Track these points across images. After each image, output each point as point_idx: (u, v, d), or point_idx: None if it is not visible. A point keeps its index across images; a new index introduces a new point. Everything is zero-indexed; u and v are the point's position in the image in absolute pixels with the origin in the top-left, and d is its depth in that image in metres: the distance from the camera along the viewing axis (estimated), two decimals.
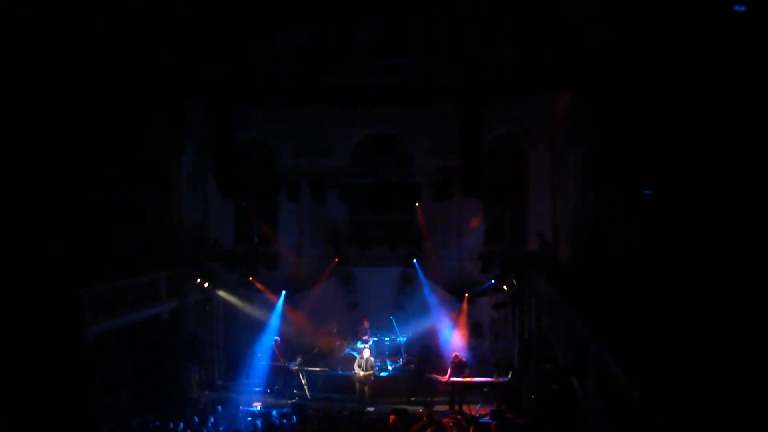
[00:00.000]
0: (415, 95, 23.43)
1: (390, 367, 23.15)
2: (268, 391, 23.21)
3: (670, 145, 13.64)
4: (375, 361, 22.59)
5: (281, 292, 24.69)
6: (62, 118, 19.35)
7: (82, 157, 19.78)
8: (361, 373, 22.04)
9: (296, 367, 23.08)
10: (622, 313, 13.54)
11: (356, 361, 22.39)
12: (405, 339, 24.08)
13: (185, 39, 18.90)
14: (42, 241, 18.20)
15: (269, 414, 19.83)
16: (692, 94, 12.49)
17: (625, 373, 10.01)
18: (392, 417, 18.10)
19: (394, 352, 23.95)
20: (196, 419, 18.71)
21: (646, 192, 15.86)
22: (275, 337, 23.82)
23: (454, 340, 24.10)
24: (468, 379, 21.65)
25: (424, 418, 18.47)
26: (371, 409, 21.24)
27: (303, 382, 23.02)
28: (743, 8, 11.17)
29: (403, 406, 20.47)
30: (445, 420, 18.17)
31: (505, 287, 23.27)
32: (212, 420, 18.86)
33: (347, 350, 23.50)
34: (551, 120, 24.08)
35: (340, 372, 23.15)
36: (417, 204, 24.77)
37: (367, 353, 22.40)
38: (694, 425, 8.20)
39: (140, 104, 22.93)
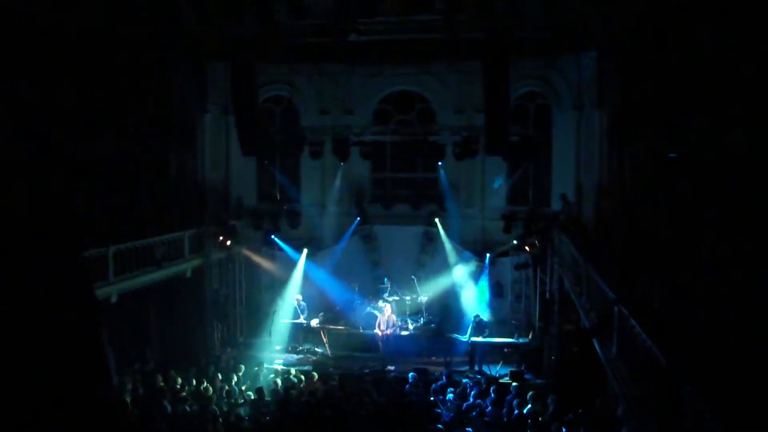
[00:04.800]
0: (440, 53, 23.19)
1: (411, 326, 23.17)
2: (290, 348, 23.34)
3: (697, 108, 13.43)
4: (397, 320, 22.66)
5: (303, 250, 24.74)
6: (84, 77, 19.32)
7: (106, 116, 19.78)
8: (385, 332, 22.12)
9: (318, 325, 23.19)
10: (646, 276, 13.46)
11: (378, 319, 22.44)
12: (426, 298, 24.08)
13: None
14: (65, 200, 18.27)
15: (290, 372, 19.99)
16: (722, 57, 12.26)
17: (650, 337, 9.95)
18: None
19: (415, 312, 23.98)
20: (219, 376, 18.90)
21: (671, 155, 15.66)
22: (297, 295, 23.87)
23: (475, 300, 24.08)
24: (488, 340, 21.67)
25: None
26: (392, 368, 21.33)
27: (324, 340, 23.13)
28: None
29: (423, 366, 20.59)
30: None
31: (527, 248, 23.20)
32: (235, 378, 19.04)
33: (369, 308, 23.53)
34: (577, 80, 23.81)
35: (362, 330, 23.20)
36: (440, 162, 24.65)
37: (389, 311, 22.46)
38: (719, 389, 8.14)
39: (164, 63, 22.87)
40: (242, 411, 16.56)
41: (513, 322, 23.90)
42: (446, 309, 24.43)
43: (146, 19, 17.24)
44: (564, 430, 14.23)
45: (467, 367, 21.37)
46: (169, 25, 17.64)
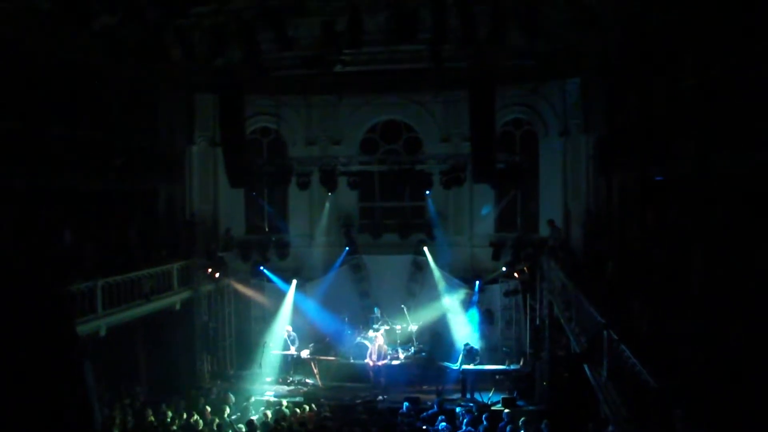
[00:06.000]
0: (426, 82, 23.38)
1: (402, 356, 23.09)
2: (280, 380, 23.22)
3: (681, 131, 13.55)
4: (388, 349, 22.60)
5: (292, 281, 24.70)
6: (75, 110, 19.37)
7: (94, 148, 19.80)
8: (376, 362, 22.06)
9: (308, 356, 23.09)
10: (635, 299, 13.48)
11: (370, 349, 22.39)
12: (416, 327, 24.01)
13: (195, 29, 18.89)
14: (55, 233, 18.25)
15: (281, 403, 19.87)
16: (706, 79, 12.39)
17: (641, 361, 9.96)
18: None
19: (406, 341, 23.90)
20: (209, 409, 18.77)
21: (658, 178, 15.76)
22: (287, 327, 23.80)
23: (465, 327, 24.04)
24: (479, 367, 21.62)
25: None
26: (383, 397, 21.24)
27: (315, 370, 23.04)
28: None
29: (415, 395, 20.52)
30: None
31: (516, 274, 23.24)
32: (227, 411, 18.90)
33: (359, 338, 23.46)
34: (563, 106, 24.02)
35: (352, 360, 23.12)
36: (428, 191, 24.69)
37: (381, 340, 22.42)
38: (709, 412, 8.14)
39: (152, 95, 22.95)
40: None
41: (504, 348, 23.88)
42: (437, 337, 24.40)
43: (133, 52, 17.28)
44: None
45: (459, 396, 21.29)
46: (156, 58, 17.69)
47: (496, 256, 23.82)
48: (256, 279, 25.25)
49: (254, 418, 17.90)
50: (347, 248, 25.42)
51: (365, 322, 24.14)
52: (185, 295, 22.48)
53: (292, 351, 23.24)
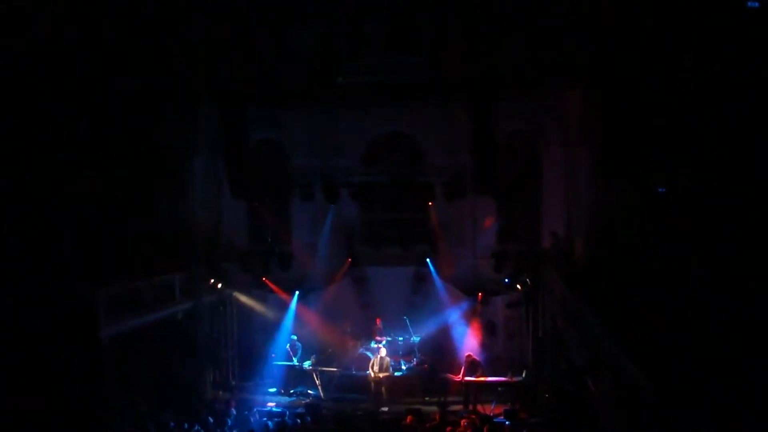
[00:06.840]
0: (428, 93, 23.38)
1: (404, 367, 23.05)
2: (282, 391, 23.19)
3: (682, 142, 13.57)
4: (390, 361, 22.55)
5: (295, 292, 24.69)
6: (77, 119, 19.40)
7: (96, 158, 19.83)
8: (378, 374, 21.99)
9: (310, 367, 23.05)
10: (636, 311, 13.47)
11: (372, 360, 22.34)
12: (418, 339, 23.99)
13: (197, 40, 18.96)
14: (56, 243, 18.24)
15: (283, 414, 19.83)
16: (705, 91, 12.41)
17: (641, 372, 9.94)
18: (409, 417, 18.03)
19: (408, 352, 23.86)
20: (211, 420, 18.72)
21: (660, 189, 15.78)
22: (289, 337, 23.77)
23: (468, 339, 24.00)
24: (482, 379, 21.56)
25: (437, 418, 18.48)
26: (385, 409, 21.19)
27: (317, 382, 22.99)
28: (756, 4, 11.08)
29: (417, 406, 20.44)
30: (463, 421, 18.06)
31: (518, 286, 23.19)
32: (229, 422, 18.86)
33: (361, 350, 23.43)
34: (564, 117, 24.00)
35: (354, 372, 23.08)
36: (430, 203, 24.68)
37: (383, 353, 22.36)
38: (708, 423, 8.13)
39: (153, 105, 22.98)
40: None
41: (506, 360, 23.80)
42: (439, 349, 24.32)
43: (136, 60, 17.35)
44: None
45: (461, 407, 21.23)
46: (159, 67, 17.77)
47: (498, 268, 23.77)
48: (258, 290, 25.20)
49: (256, 429, 17.87)
50: (349, 259, 25.41)
51: (367, 334, 24.13)
52: (187, 305, 22.46)
53: (295, 362, 23.21)
